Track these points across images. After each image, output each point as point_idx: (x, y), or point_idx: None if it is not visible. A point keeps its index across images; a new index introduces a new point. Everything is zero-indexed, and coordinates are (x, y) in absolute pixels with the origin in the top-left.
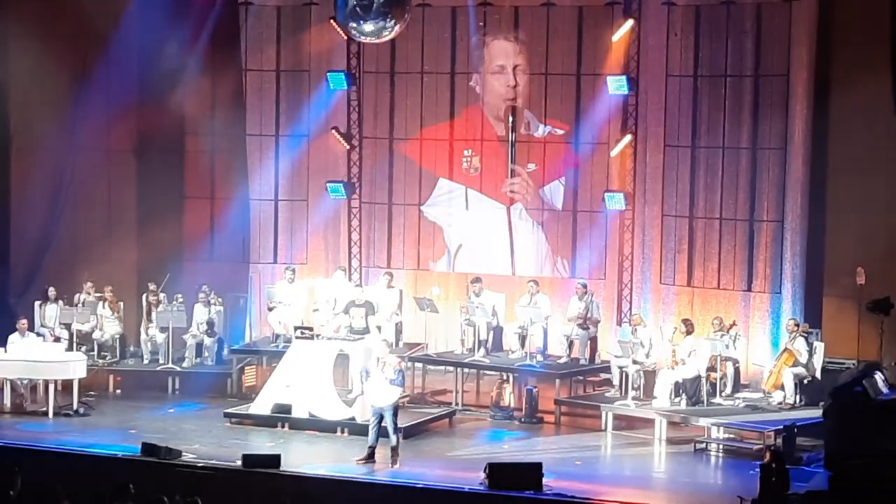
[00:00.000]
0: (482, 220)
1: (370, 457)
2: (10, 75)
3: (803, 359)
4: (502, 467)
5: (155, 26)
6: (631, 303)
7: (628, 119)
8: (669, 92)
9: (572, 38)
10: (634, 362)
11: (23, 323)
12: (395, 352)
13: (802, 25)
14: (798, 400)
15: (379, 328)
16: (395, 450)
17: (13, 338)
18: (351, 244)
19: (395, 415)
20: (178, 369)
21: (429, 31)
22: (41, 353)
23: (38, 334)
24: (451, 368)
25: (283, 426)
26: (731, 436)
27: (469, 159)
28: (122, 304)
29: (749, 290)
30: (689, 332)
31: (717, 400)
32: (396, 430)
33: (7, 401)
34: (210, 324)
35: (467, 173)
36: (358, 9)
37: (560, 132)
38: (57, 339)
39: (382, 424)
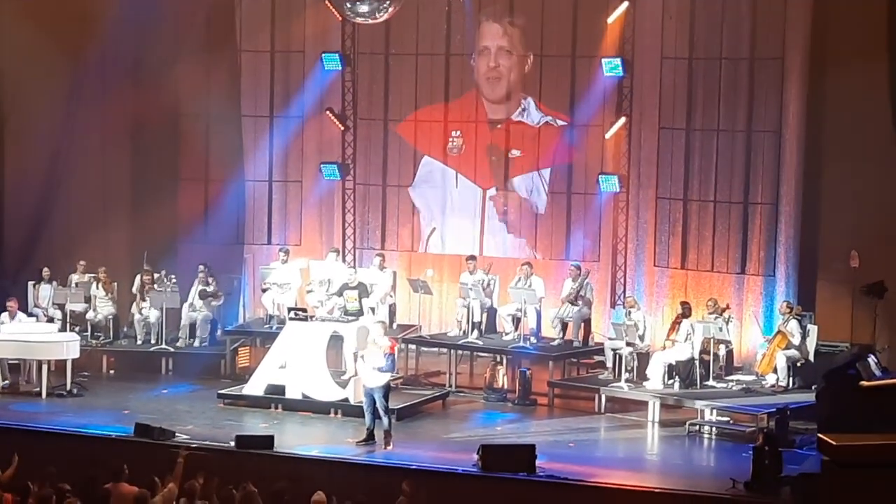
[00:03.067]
0: (461, 202)
1: (369, 438)
2: (3, 57)
3: (796, 341)
4: (495, 449)
5: (150, 7)
6: (625, 285)
7: (623, 101)
8: (664, 74)
9: (567, 20)
10: (628, 344)
11: (12, 304)
12: (389, 333)
13: (798, 8)
14: (791, 383)
15: (373, 310)
16: (387, 433)
17: (2, 318)
18: (345, 225)
19: (385, 397)
20: (172, 350)
21: (423, 12)
22: (34, 334)
23: (31, 314)
24: (444, 350)
25: (276, 407)
26: (725, 418)
27: (454, 139)
28: (115, 284)
29: (743, 272)
30: (686, 315)
31: (711, 382)
32: (387, 412)
33: None
34: (203, 294)
35: (450, 153)
36: None
37: (561, 123)
38: (50, 320)
39: (377, 405)
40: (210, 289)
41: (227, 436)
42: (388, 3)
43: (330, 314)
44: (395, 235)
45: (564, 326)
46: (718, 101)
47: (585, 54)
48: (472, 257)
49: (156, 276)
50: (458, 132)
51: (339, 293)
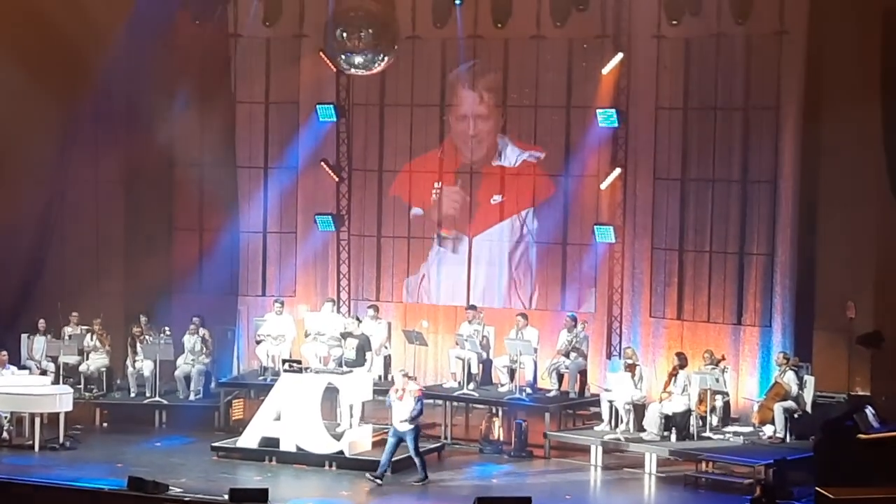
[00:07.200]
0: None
1: (381, 477)
2: None
3: (794, 392)
4: (491, 501)
5: (144, 56)
6: (621, 336)
7: (618, 152)
8: (659, 124)
9: (562, 71)
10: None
11: (2, 356)
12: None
13: (792, 57)
14: (788, 434)
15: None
16: (424, 472)
17: None
18: (340, 277)
19: (416, 439)
20: (166, 402)
21: (418, 63)
22: (27, 386)
23: (25, 367)
24: (440, 402)
25: (270, 460)
26: (722, 470)
27: (437, 191)
28: (109, 336)
29: (739, 323)
30: (682, 366)
31: (707, 434)
32: (418, 453)
33: None
34: (203, 341)
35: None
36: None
37: (538, 155)
38: (43, 372)
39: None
40: (208, 339)
41: (221, 489)
42: (382, 54)
43: (325, 365)
44: (390, 287)
45: (560, 378)
46: (713, 151)
47: (580, 105)
48: (473, 307)
49: (145, 326)
50: (440, 182)
51: (343, 338)
